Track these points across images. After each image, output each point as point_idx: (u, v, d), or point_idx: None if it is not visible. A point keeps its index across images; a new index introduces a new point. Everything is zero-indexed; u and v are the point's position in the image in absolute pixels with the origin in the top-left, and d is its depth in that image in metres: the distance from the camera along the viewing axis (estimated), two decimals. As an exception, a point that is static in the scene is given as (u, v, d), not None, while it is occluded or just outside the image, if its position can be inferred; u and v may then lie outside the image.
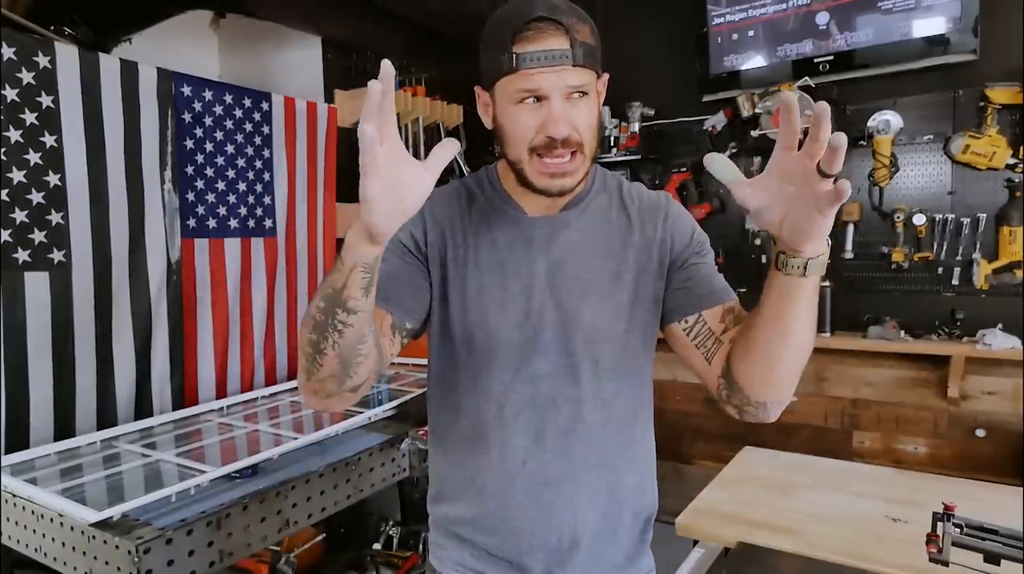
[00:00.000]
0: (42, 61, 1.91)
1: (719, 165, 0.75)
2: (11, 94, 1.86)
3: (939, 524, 1.14)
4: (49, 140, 1.94)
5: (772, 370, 0.85)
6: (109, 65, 2.08)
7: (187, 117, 2.32)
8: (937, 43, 2.78)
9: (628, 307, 0.99)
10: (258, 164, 2.59)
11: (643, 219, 1.02)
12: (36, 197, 1.92)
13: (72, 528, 1.37)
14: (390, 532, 2.54)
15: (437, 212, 1.01)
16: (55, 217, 1.96)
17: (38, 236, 1.93)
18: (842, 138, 0.66)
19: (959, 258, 2.85)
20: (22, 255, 1.90)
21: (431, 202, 0.92)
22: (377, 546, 2.51)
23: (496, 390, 0.99)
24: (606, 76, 0.97)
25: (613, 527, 1.03)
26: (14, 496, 1.51)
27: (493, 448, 1.00)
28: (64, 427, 2.00)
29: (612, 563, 1.05)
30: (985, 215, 2.79)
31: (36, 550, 1.46)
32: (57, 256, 1.97)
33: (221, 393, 2.48)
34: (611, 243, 1.00)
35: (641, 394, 1.05)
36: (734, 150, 3.27)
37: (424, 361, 1.06)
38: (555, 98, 0.88)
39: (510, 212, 1.01)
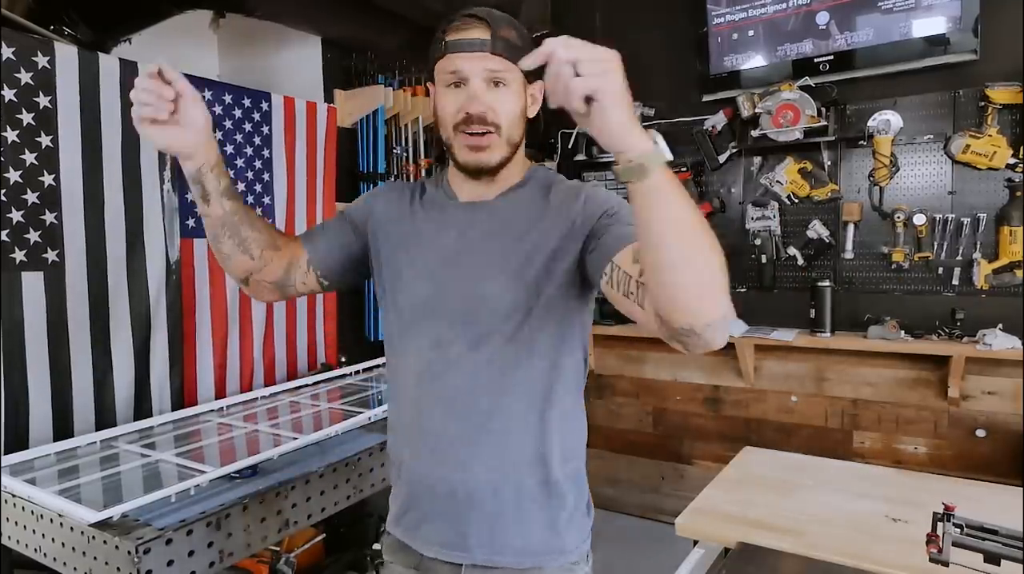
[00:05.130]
0: (41, 61, 1.91)
1: None
2: (9, 94, 1.86)
3: (939, 524, 1.14)
4: (45, 140, 1.94)
5: (672, 292, 0.79)
6: (108, 65, 2.08)
7: (187, 117, 2.32)
8: (937, 43, 2.77)
9: (536, 286, 1.04)
10: (257, 164, 2.59)
11: (560, 203, 1.08)
12: (31, 197, 1.92)
13: (72, 528, 1.37)
14: (390, 532, 2.53)
15: (385, 200, 1.19)
16: (49, 217, 1.96)
17: (33, 236, 1.93)
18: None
19: (959, 258, 2.85)
20: (18, 255, 1.90)
21: (386, 191, 1.23)
22: (377, 546, 2.51)
23: (410, 352, 1.11)
24: (540, 83, 1.04)
25: (513, 493, 1.07)
26: (14, 496, 1.51)
27: (405, 402, 1.13)
28: (63, 427, 2.00)
29: (516, 529, 1.07)
30: (985, 215, 2.79)
31: (36, 550, 1.46)
32: (51, 256, 1.97)
33: (220, 393, 2.48)
34: (528, 227, 1.07)
35: (553, 368, 1.07)
36: (734, 150, 3.27)
37: None
38: (474, 79, 1.01)
39: (442, 199, 1.15)
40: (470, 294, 1.06)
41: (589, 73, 0.70)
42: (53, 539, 1.42)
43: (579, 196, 1.07)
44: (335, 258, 1.18)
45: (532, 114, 1.09)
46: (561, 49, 0.70)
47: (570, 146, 3.61)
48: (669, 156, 0.75)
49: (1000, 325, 2.71)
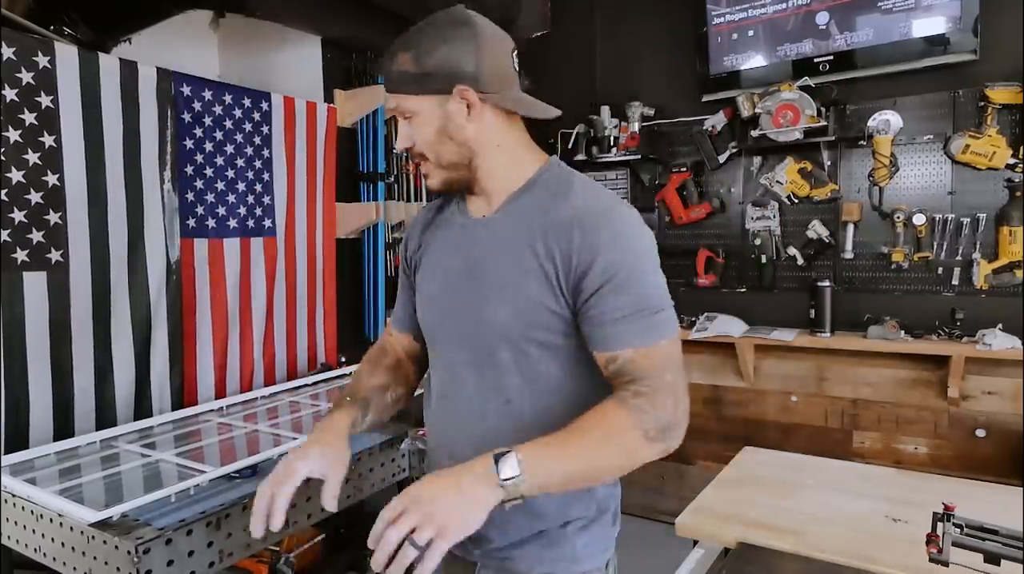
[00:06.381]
0: (41, 61, 1.91)
1: None
2: (10, 94, 1.86)
3: (939, 524, 1.14)
4: (48, 140, 1.94)
5: None
6: (109, 65, 2.08)
7: (187, 117, 2.32)
8: (937, 43, 2.78)
9: (531, 308, 1.01)
10: (257, 164, 2.59)
11: (552, 229, 1.00)
12: (34, 197, 1.92)
13: (71, 528, 1.37)
14: (390, 532, 2.53)
15: (418, 223, 1.22)
16: (53, 217, 1.96)
17: (36, 236, 1.93)
18: None
19: (959, 258, 2.85)
20: (20, 255, 1.90)
21: (415, 222, 1.24)
22: (377, 546, 2.51)
23: (433, 369, 1.17)
24: (458, 87, 0.98)
25: (520, 515, 1.02)
26: (14, 496, 1.50)
27: (430, 414, 1.18)
28: (63, 427, 2.00)
29: (518, 548, 1.07)
30: (985, 215, 2.79)
31: (36, 550, 1.46)
32: (54, 256, 1.97)
33: (220, 393, 2.48)
34: (521, 246, 1.02)
35: (557, 391, 1.04)
36: (734, 150, 3.28)
37: None
38: (398, 118, 1.05)
39: (455, 216, 1.14)
40: (470, 320, 1.06)
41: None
42: (53, 539, 1.41)
43: (575, 225, 0.98)
44: None
45: (475, 121, 1.00)
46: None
47: (570, 146, 3.61)
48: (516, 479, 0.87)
49: (1000, 325, 2.71)
